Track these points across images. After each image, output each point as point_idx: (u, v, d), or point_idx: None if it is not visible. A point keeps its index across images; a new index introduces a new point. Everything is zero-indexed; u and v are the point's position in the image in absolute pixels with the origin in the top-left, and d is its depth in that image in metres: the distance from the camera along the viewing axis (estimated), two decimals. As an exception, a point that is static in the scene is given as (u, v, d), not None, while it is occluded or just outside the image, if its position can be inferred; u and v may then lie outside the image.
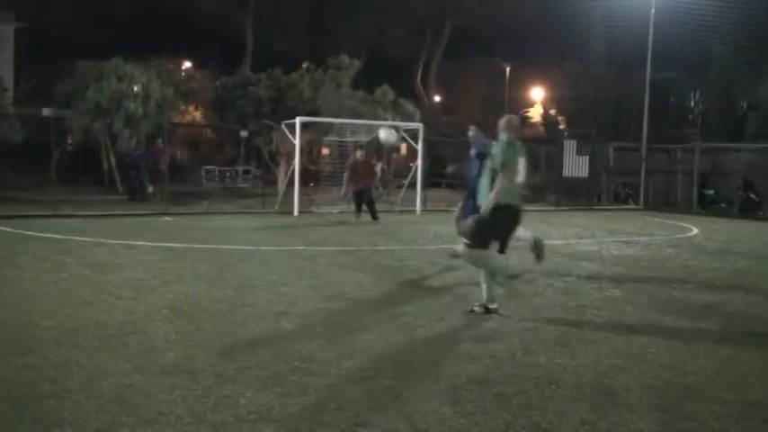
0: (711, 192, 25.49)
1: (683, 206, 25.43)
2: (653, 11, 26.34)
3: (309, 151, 26.24)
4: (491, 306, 7.29)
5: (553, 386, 5.09)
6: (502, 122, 7.39)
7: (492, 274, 7.25)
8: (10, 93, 23.71)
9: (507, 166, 7.06)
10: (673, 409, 4.71)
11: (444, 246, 12.93)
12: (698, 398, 4.97)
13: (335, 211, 18.47)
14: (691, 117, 33.26)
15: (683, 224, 19.15)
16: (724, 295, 8.98)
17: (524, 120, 47.10)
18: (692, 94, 33.14)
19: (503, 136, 7.33)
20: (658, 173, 27.31)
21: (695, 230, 17.52)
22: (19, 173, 22.90)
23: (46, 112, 19.84)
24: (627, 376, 5.39)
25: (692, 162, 25.79)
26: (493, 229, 7.16)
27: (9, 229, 12.98)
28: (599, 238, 15.09)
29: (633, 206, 26.08)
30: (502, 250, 7.45)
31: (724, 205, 24.67)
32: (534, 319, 7.16)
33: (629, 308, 7.88)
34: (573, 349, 6.08)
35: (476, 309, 7.30)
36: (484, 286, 7.30)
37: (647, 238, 15.60)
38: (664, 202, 26.41)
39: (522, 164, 7.28)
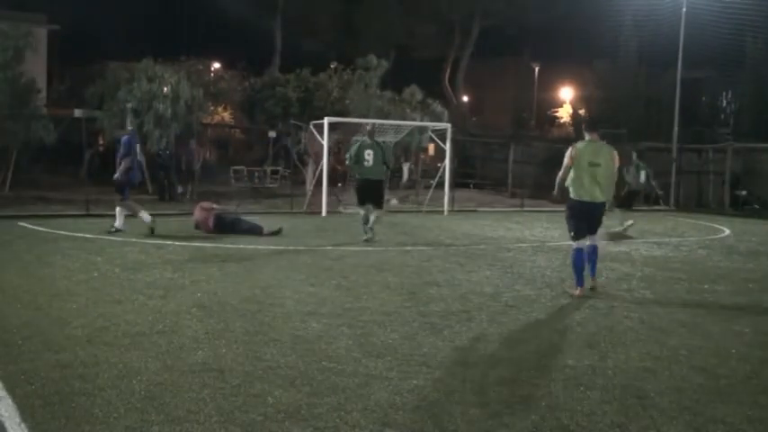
0: (744, 192, 25.15)
1: (715, 207, 25.13)
2: (684, 9, 26.03)
3: (337, 152, 26.30)
4: (367, 236, 12.67)
5: (582, 388, 5.05)
6: (365, 129, 13.28)
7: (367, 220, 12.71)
8: (43, 94, 24.00)
9: (355, 156, 12.51)
10: (704, 413, 4.65)
11: (473, 246, 12.89)
12: (730, 401, 4.90)
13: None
14: (723, 116, 32.84)
15: (714, 225, 18.91)
16: (757, 297, 8.86)
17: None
18: (725, 94, 32.73)
19: (365, 137, 12.99)
20: (690, 173, 27.01)
21: (727, 231, 17.30)
22: (51, 173, 23.22)
23: (78, 113, 20.03)
24: (657, 378, 5.33)
25: (725, 162, 25.48)
26: (361, 195, 12.79)
27: (42, 229, 13.16)
28: (629, 238, 14.93)
29: (664, 207, 25.80)
30: (372, 207, 12.66)
31: (757, 206, 24.32)
32: (563, 321, 7.11)
33: (660, 309, 7.80)
34: (602, 351, 6.02)
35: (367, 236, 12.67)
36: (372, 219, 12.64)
37: (678, 239, 15.43)
38: (695, 203, 26.11)
39: (369, 154, 12.38)
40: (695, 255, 12.73)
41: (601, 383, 5.16)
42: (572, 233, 8.55)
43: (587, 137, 8.46)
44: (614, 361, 5.73)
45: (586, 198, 8.28)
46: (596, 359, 5.77)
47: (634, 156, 16.83)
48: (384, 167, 12.68)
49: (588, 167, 8.20)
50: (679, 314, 7.58)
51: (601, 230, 8.84)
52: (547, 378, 5.23)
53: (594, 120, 8.88)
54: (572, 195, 8.40)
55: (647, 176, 16.82)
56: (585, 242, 8.52)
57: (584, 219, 8.44)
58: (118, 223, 13.13)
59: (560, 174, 8.43)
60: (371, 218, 12.65)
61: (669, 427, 4.40)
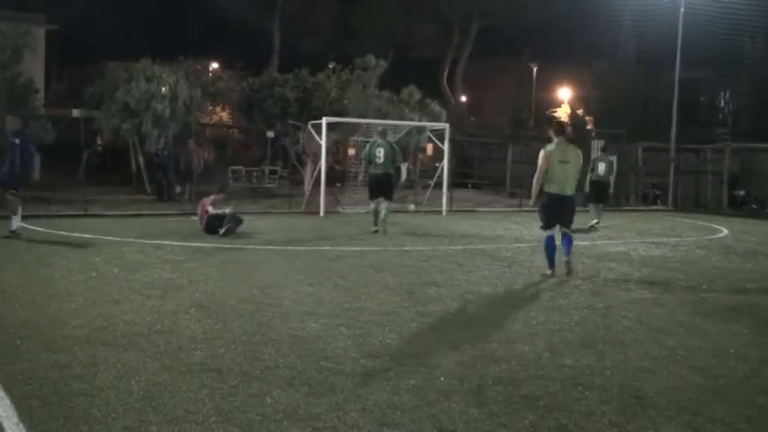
0: (742, 192, 25.17)
1: (713, 207, 25.14)
2: (682, 10, 26.06)
3: (336, 152, 26.29)
4: (377, 227, 14.03)
5: (580, 388, 5.05)
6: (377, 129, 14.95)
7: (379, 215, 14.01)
8: (41, 94, 23.97)
9: (368, 155, 14.18)
10: (702, 413, 4.65)
11: (471, 246, 12.90)
12: (729, 401, 4.90)
13: (362, 211, 18.47)
14: (721, 117, 32.88)
15: (712, 225, 18.92)
16: (755, 297, 8.87)
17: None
18: (723, 94, 32.77)
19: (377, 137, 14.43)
20: (688, 173, 27.03)
21: (725, 231, 17.31)
22: (49, 173, 23.14)
23: (76, 113, 20.02)
24: (656, 378, 5.33)
25: (722, 162, 25.50)
26: (373, 189, 14.16)
27: (40, 229, 13.14)
28: (627, 239, 14.95)
29: (662, 207, 25.83)
30: (384, 198, 13.96)
31: (755, 206, 24.34)
32: (561, 321, 7.11)
33: (658, 309, 7.81)
34: (600, 351, 6.03)
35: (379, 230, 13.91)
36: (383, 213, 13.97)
37: (677, 239, 15.44)
38: (693, 203, 26.14)
39: (380, 152, 13.86)
40: (693, 255, 12.74)
41: (599, 383, 5.17)
42: (542, 223, 9.76)
43: (555, 140, 9.62)
44: (612, 361, 5.74)
45: (555, 191, 9.46)
46: (594, 359, 5.77)
47: (598, 150, 17.49)
48: (393, 164, 14.02)
49: (559, 164, 9.42)
50: (677, 314, 7.58)
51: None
52: (545, 378, 5.24)
53: (562, 125, 10.86)
54: (545, 190, 9.52)
55: (608, 170, 16.95)
56: (556, 231, 9.72)
57: (556, 211, 9.58)
58: (14, 225, 12.11)
59: (536, 175, 9.53)
60: (382, 212, 13.93)
61: (667, 427, 4.40)
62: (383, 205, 13.96)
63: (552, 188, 9.47)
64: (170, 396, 4.62)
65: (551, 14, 39.75)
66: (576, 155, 9.58)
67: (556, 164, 9.42)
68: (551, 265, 9.66)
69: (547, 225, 9.69)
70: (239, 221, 13.29)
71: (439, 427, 4.28)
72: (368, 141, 14.60)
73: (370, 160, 14.04)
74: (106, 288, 8.01)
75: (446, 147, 20.55)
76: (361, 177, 19.31)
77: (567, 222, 9.69)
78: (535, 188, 9.59)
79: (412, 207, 20.84)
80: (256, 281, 8.68)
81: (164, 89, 21.37)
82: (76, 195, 17.76)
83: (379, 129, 15.06)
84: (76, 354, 5.45)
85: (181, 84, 21.80)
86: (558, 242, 9.69)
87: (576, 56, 38.79)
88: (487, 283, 9.08)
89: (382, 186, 14.00)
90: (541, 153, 9.54)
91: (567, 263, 9.61)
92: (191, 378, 4.97)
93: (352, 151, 23.15)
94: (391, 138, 20.07)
